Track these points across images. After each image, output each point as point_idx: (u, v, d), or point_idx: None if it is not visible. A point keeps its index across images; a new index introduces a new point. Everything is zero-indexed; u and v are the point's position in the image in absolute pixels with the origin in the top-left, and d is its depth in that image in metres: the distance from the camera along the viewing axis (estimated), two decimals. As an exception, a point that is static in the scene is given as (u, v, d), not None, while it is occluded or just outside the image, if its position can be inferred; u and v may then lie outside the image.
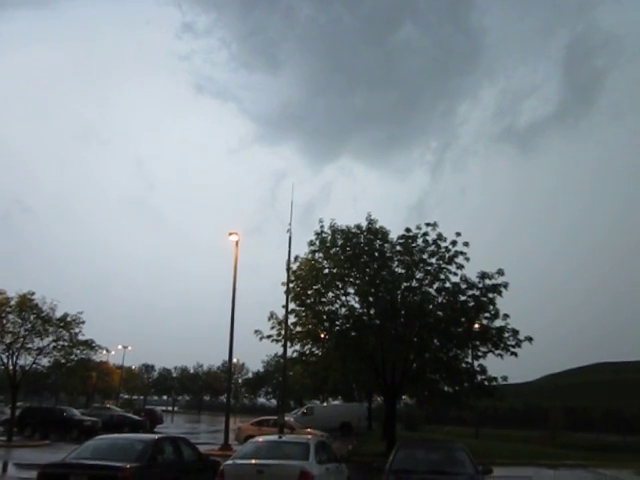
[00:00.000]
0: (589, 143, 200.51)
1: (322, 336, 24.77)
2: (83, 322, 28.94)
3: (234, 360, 73.61)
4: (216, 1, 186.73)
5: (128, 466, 9.35)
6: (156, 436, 11.62)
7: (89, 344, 30.70)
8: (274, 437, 12.66)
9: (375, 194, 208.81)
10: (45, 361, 30.00)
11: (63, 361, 29.99)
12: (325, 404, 51.68)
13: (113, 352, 71.00)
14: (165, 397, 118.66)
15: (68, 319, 28.40)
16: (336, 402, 55.71)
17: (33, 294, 27.96)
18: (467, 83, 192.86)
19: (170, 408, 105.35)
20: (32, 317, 27.62)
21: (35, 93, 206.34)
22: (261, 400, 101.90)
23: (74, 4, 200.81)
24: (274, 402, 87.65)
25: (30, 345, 27.89)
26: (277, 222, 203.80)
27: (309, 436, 16.94)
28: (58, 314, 28.30)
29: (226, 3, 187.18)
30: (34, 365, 29.27)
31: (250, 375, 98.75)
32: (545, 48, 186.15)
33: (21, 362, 28.20)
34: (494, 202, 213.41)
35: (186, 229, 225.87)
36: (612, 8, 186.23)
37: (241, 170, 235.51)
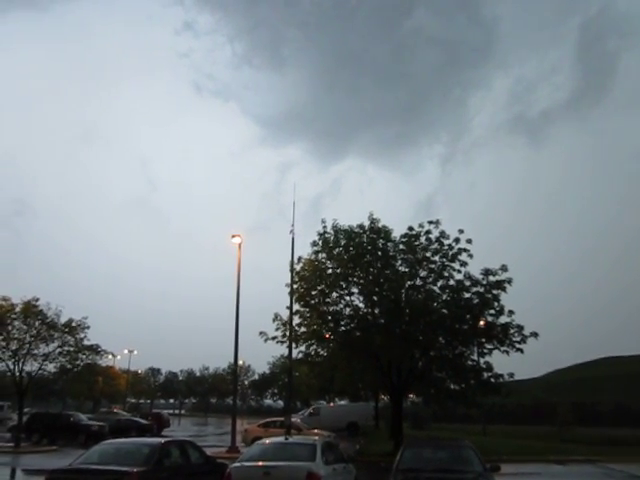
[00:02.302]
0: (602, 131, 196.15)
1: (327, 336, 24.75)
2: (88, 327, 29.02)
3: (240, 362, 73.67)
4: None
5: (135, 470, 9.36)
6: (162, 440, 11.65)
7: (94, 349, 30.83)
8: (281, 438, 12.65)
9: (384, 191, 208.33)
10: (51, 367, 30.14)
11: (69, 366, 30.11)
12: (332, 404, 51.71)
13: (119, 356, 71.34)
14: (172, 400, 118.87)
15: (73, 324, 28.47)
16: (343, 402, 55.71)
17: (37, 300, 28.06)
18: (479, 74, 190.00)
19: (177, 411, 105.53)
20: (37, 323, 27.71)
21: (35, 94, 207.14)
22: (268, 401, 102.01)
23: (72, 4, 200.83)
24: (281, 403, 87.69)
25: (36, 351, 27.98)
26: (283, 221, 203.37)
27: (316, 437, 16.93)
28: (63, 320, 28.39)
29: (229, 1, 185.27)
30: (40, 371, 29.35)
31: (256, 377, 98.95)
32: (558, 34, 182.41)
33: (27, 368, 28.31)
34: (504, 195, 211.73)
35: (190, 230, 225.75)
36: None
37: (245, 169, 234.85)
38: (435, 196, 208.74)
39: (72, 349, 28.78)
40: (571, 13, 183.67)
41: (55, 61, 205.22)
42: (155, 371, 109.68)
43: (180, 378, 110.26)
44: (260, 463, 10.01)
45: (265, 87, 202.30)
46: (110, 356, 56.85)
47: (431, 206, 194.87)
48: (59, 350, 28.47)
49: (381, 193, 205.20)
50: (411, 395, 42.30)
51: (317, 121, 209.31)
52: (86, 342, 29.34)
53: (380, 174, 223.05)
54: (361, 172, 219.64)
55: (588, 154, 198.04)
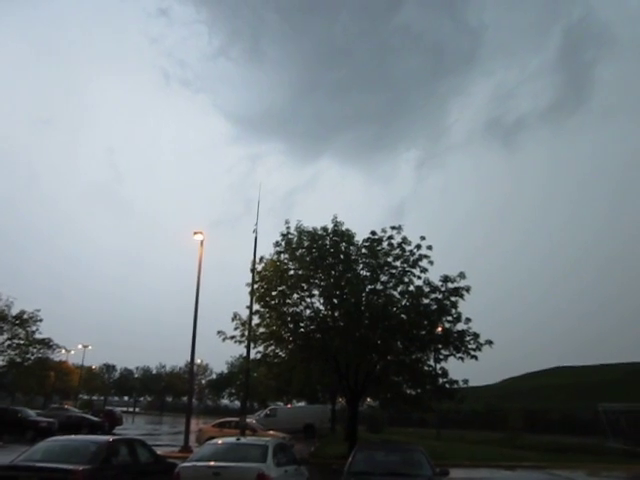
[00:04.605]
0: (577, 140, 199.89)
1: (286, 338, 24.66)
2: (40, 320, 28.34)
3: (198, 361, 72.99)
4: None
5: (80, 468, 9.14)
6: (110, 438, 11.38)
7: (46, 343, 30.06)
8: (232, 439, 12.53)
9: (357, 193, 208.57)
10: (0, 360, 29.21)
11: (19, 360, 29.23)
12: (289, 406, 51.58)
13: (73, 351, 69.69)
14: (126, 398, 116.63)
15: (25, 317, 27.69)
16: (300, 404, 55.64)
17: (-13, 291, 27.20)
18: (462, 80, 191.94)
19: (131, 409, 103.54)
20: (-14, 315, 26.86)
21: (0, 76, 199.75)
22: (225, 402, 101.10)
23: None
24: (238, 404, 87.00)
25: (-17, 343, 27.11)
26: (250, 216, 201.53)
27: (268, 438, 16.86)
28: (14, 311, 27.58)
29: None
30: (-13, 364, 28.43)
31: (214, 376, 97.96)
32: (540, 41, 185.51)
33: (-26, 361, 27.37)
34: (478, 201, 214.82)
35: (155, 222, 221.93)
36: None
37: (214, 163, 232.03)
38: (407, 200, 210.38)
39: (22, 342, 27.99)
40: (553, 21, 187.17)
41: (20, 42, 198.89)
42: (110, 367, 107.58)
43: (135, 375, 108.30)
44: (211, 463, 9.91)
45: (240, 83, 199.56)
46: (63, 351, 55.42)
47: (403, 209, 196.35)
48: (8, 343, 27.65)
49: (354, 195, 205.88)
50: (368, 399, 42.62)
51: (292, 121, 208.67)
52: (38, 335, 28.63)
53: (354, 176, 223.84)
54: (335, 173, 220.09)
55: (563, 162, 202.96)
